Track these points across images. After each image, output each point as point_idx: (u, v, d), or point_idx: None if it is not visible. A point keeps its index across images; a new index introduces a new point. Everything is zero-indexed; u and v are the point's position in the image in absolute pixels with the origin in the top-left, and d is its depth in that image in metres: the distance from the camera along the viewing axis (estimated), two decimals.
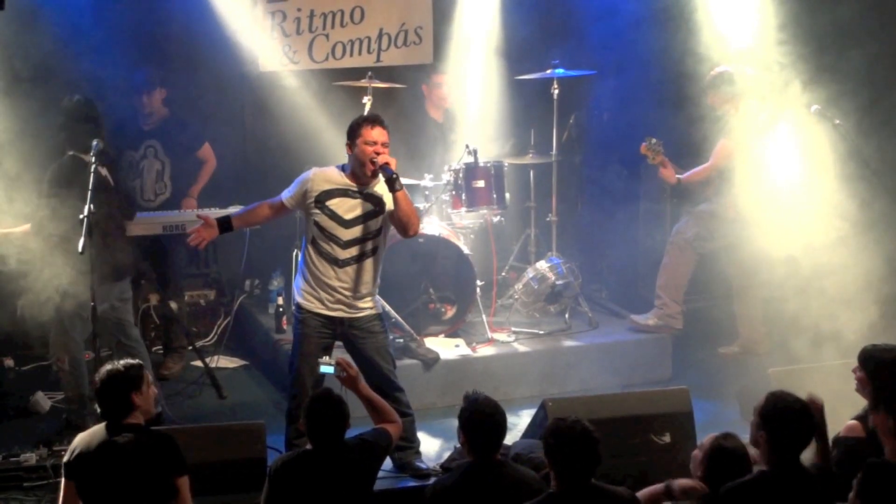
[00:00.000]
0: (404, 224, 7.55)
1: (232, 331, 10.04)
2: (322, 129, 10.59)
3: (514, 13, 10.90)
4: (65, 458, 6.05)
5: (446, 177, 9.79)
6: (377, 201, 7.55)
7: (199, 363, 9.37)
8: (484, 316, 9.62)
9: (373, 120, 7.61)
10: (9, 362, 9.48)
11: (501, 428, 6.05)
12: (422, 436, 7.84)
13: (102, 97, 9.14)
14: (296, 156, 10.59)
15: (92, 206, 7.54)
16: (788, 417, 5.66)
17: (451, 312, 9.69)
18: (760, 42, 9.14)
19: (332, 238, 7.50)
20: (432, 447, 8.04)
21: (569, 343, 9.57)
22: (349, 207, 7.52)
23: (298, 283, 7.72)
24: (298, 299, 7.68)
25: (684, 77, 9.80)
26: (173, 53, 10.58)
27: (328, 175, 7.63)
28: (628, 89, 10.58)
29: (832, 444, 6.22)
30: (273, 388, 9.42)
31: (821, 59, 9.13)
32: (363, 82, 9.78)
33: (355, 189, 7.54)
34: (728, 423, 6.38)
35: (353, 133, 7.56)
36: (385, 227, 7.64)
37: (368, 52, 11.28)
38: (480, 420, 6.01)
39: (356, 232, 7.52)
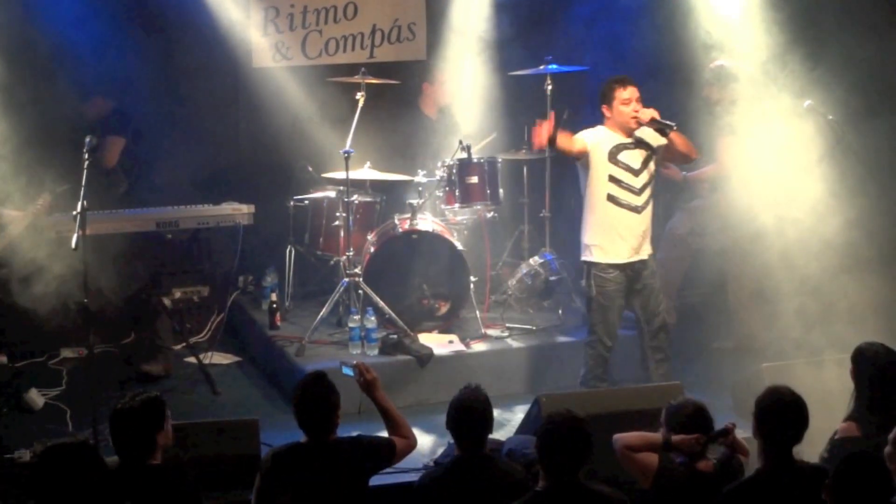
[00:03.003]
0: (685, 154, 8.41)
1: (225, 327, 10.03)
2: (315, 125, 10.61)
3: (507, 8, 10.89)
4: None
5: (440, 172, 9.80)
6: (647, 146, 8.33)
7: (192, 359, 9.37)
8: (478, 312, 9.61)
9: (622, 80, 8.29)
10: (2, 359, 9.44)
11: (486, 421, 6.04)
12: (416, 432, 7.83)
13: (90, 90, 9.18)
14: (289, 151, 10.62)
15: (85, 201, 7.56)
16: (778, 410, 5.68)
17: (444, 308, 9.70)
18: (754, 32, 9.14)
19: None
20: (426, 443, 8.02)
21: (562, 339, 9.57)
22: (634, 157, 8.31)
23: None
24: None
25: (678, 69, 9.81)
26: (166, 49, 10.58)
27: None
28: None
29: (828, 444, 6.23)
30: (266, 384, 9.41)
31: (815, 50, 9.14)
32: (356, 78, 9.76)
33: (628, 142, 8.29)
34: (721, 417, 6.36)
35: (606, 97, 8.30)
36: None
37: (362, 48, 11.30)
38: (465, 413, 6.02)
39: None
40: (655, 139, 8.29)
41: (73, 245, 7.46)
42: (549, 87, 9.86)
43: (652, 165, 8.33)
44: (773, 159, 8.82)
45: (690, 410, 6.06)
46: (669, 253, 9.79)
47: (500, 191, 9.82)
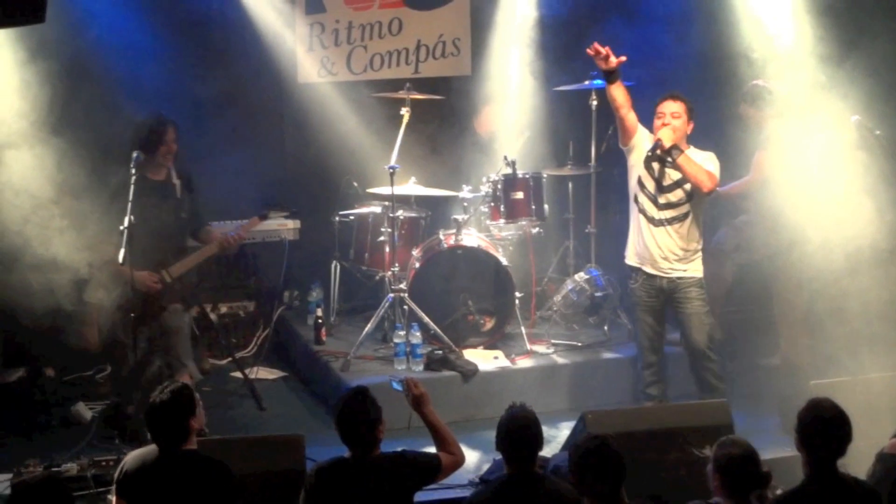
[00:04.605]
0: (693, 184, 8.16)
1: (271, 342, 10.06)
2: (360, 140, 10.63)
3: (552, 23, 10.88)
4: (116, 475, 6.04)
5: (485, 188, 9.80)
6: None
7: (238, 374, 9.40)
8: (523, 328, 9.59)
9: (667, 94, 8.32)
10: (49, 372, 9.51)
11: (537, 440, 6.01)
12: (462, 448, 7.83)
13: (142, 103, 9.27)
14: (334, 166, 10.63)
15: (132, 217, 7.62)
16: (820, 424, 5.64)
17: (489, 324, 9.69)
18: (799, 47, 9.09)
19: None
20: (471, 459, 8.00)
21: (608, 355, 9.53)
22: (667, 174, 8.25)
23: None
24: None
25: (722, 83, 9.78)
26: (212, 65, 10.63)
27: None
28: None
29: (875, 459, 6.17)
30: (312, 399, 9.43)
31: (864, 63, 9.07)
32: (401, 94, 9.79)
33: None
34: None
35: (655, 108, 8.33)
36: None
37: (406, 63, 11.31)
38: (515, 433, 5.99)
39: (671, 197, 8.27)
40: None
41: (121, 260, 7.52)
42: (594, 103, 9.86)
43: (688, 188, 8.21)
44: (819, 175, 8.76)
45: (738, 453, 5.89)
46: (714, 268, 9.73)
47: (546, 206, 9.81)
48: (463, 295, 9.61)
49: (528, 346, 9.48)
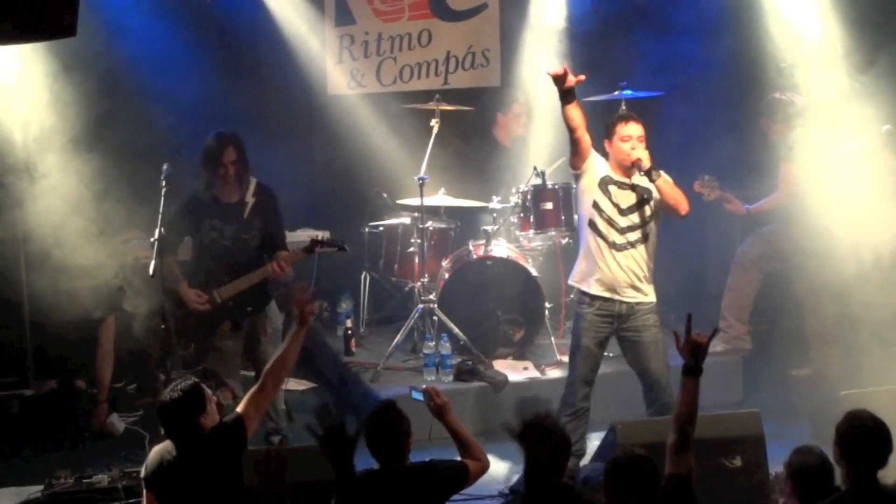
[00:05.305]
0: (671, 206, 7.88)
1: (301, 353, 10.04)
2: (390, 151, 10.66)
3: (581, 34, 10.87)
4: (143, 473, 6.12)
5: (514, 199, 9.80)
6: (645, 191, 7.92)
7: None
8: (553, 338, 9.59)
9: (625, 116, 8.04)
10: (81, 384, 9.55)
11: (564, 451, 5.98)
12: (491, 458, 7.80)
13: (173, 115, 9.32)
14: (363, 178, 10.66)
15: (162, 229, 7.66)
16: (859, 435, 5.59)
17: (519, 335, 9.69)
18: (829, 55, 9.07)
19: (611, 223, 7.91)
20: (501, 470, 8.02)
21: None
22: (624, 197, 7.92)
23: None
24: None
25: (752, 92, 9.76)
26: (243, 77, 10.69)
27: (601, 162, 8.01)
28: (696, 109, 10.52)
29: None
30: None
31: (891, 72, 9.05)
32: (431, 105, 9.81)
33: (624, 181, 7.90)
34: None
35: (608, 131, 7.94)
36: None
37: (436, 74, 11.33)
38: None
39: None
40: (653, 187, 7.92)
41: (151, 272, 7.55)
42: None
43: (647, 211, 7.87)
44: (847, 183, 8.72)
45: (816, 463, 5.75)
46: (740, 277, 9.73)
47: (575, 217, 9.78)
48: (492, 306, 9.62)
49: (558, 357, 9.47)
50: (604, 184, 7.85)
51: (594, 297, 7.90)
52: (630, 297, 7.89)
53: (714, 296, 10.34)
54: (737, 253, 9.87)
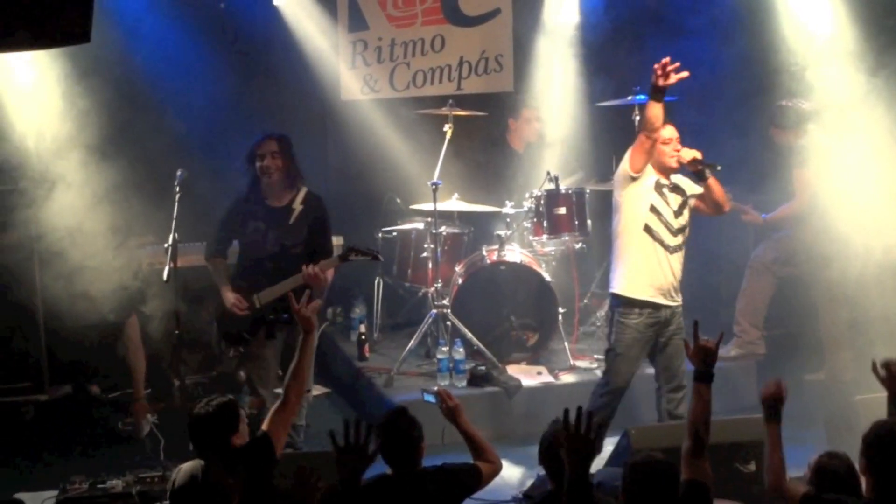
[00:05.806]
0: (719, 203, 7.97)
1: (315, 358, 10.05)
2: (403, 156, 10.68)
3: (594, 39, 10.88)
4: (169, 487, 5.98)
5: (528, 204, 9.80)
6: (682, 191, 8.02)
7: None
8: (566, 343, 9.59)
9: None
10: (95, 390, 9.57)
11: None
12: (504, 463, 7.80)
13: (188, 120, 9.32)
14: (377, 183, 10.68)
15: (176, 234, 7.67)
16: (885, 444, 5.56)
17: (533, 340, 9.69)
18: (842, 59, 9.05)
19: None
20: (514, 474, 8.02)
21: (651, 370, 9.40)
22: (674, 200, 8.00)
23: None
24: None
25: (765, 96, 9.76)
26: (256, 82, 10.71)
27: None
28: (710, 113, 10.50)
29: None
30: (355, 415, 9.42)
31: None
32: (444, 110, 9.83)
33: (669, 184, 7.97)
34: (815, 451, 6.25)
35: None
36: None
37: (449, 80, 11.34)
38: (559, 447, 5.96)
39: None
40: (690, 187, 8.02)
41: (165, 277, 7.57)
42: (637, 118, 9.83)
43: (686, 213, 8.00)
44: (861, 187, 8.71)
45: (843, 470, 5.74)
46: (754, 282, 9.73)
47: (588, 221, 9.80)
48: (506, 311, 9.63)
49: (572, 362, 9.48)
50: (658, 187, 7.91)
51: (644, 305, 7.93)
52: (674, 301, 8.01)
53: (728, 302, 10.33)
54: (751, 258, 9.87)
